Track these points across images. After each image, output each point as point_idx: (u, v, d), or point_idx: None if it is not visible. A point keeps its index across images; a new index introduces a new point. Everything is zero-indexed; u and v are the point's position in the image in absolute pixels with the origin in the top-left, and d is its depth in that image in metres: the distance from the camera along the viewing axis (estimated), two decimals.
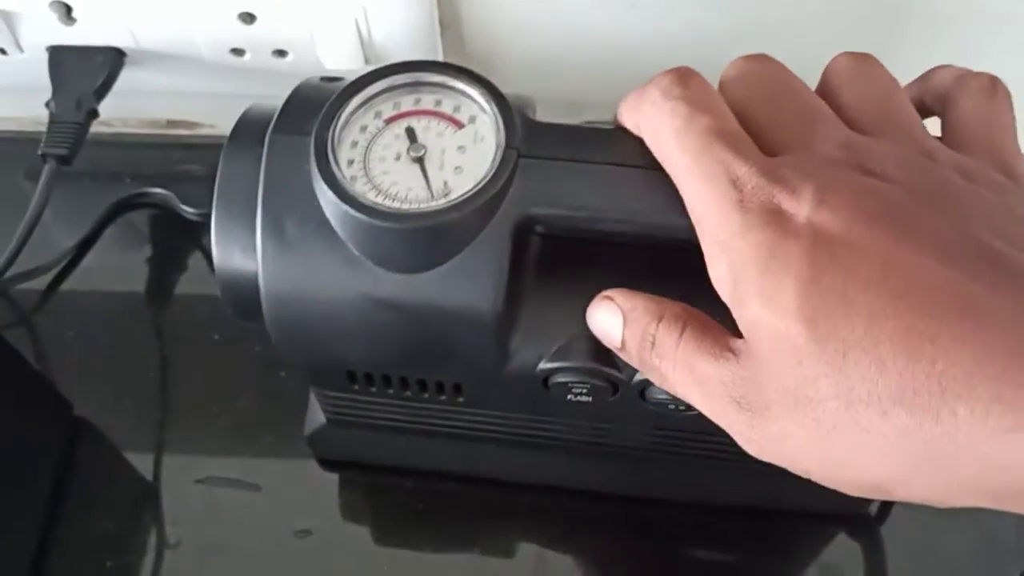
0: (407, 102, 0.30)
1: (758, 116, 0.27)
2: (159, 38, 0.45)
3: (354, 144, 0.29)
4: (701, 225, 0.26)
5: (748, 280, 0.24)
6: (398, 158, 0.29)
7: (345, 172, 0.29)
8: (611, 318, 0.28)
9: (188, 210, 0.48)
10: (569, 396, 0.32)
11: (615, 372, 0.31)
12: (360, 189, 0.28)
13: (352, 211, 0.28)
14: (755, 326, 0.24)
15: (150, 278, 0.49)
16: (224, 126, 0.53)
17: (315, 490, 0.42)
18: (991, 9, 0.43)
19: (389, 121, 0.30)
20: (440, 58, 0.45)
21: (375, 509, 0.42)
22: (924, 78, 0.31)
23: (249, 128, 0.31)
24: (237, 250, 0.29)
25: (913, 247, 0.23)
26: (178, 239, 0.50)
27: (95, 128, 0.46)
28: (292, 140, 0.29)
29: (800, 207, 0.24)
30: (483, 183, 0.28)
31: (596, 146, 0.29)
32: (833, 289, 0.23)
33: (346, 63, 0.45)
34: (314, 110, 0.30)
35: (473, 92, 0.30)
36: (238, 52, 0.45)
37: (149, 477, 0.43)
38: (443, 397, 0.34)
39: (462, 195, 0.28)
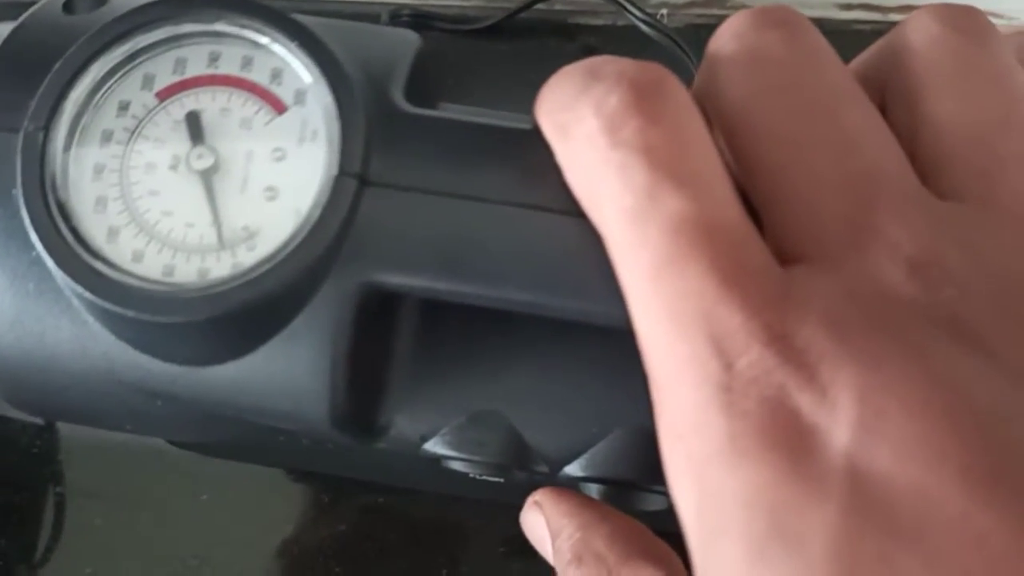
0: (197, 60, 0.18)
1: (773, 167, 0.15)
2: None
3: (106, 138, 0.18)
4: (658, 394, 0.15)
5: (729, 555, 0.13)
6: (174, 166, 0.18)
7: (85, 196, 0.17)
8: (541, 531, 0.20)
9: None
10: (470, 475, 0.23)
11: (530, 468, 0.21)
12: (109, 222, 0.17)
13: (81, 287, 0.17)
14: None
15: None
16: None
17: None
18: None
19: (164, 95, 0.18)
20: None
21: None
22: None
23: None
24: None
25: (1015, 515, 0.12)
26: None
27: None
28: None
29: (834, 426, 0.13)
30: (298, 242, 0.17)
31: (496, 168, 0.17)
32: None
33: None
34: (35, 79, 0.18)
35: (301, 55, 0.18)
36: None
37: None
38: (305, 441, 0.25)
39: (266, 257, 0.17)
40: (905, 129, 0.16)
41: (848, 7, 0.38)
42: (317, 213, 0.17)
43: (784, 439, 0.13)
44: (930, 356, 0.13)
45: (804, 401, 0.13)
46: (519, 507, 0.23)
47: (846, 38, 0.36)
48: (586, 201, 0.16)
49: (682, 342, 0.14)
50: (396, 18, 0.38)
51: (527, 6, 0.37)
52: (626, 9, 0.36)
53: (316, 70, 0.18)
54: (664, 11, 0.38)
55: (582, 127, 0.15)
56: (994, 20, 0.16)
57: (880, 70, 0.17)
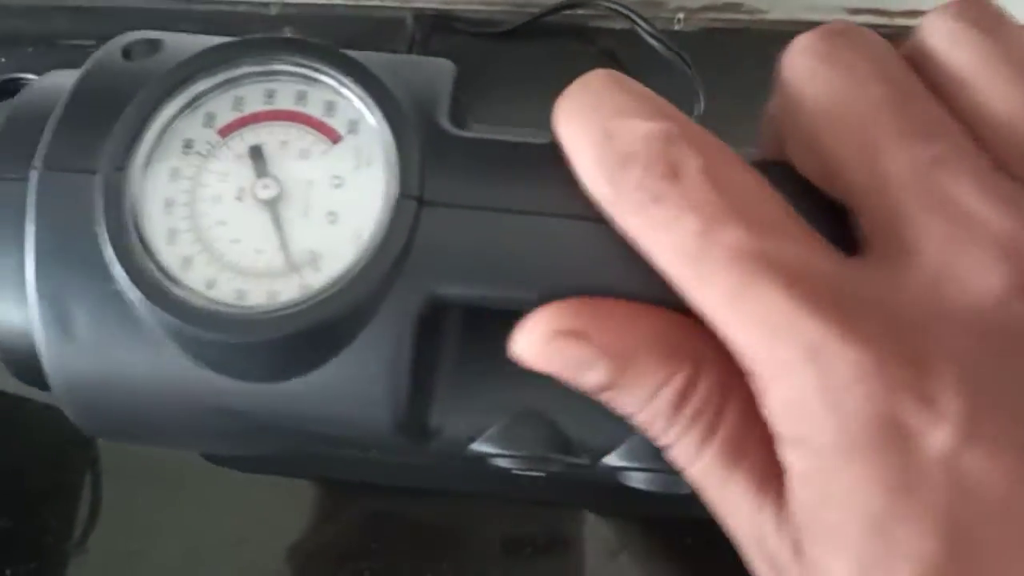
0: (254, 97, 0.20)
1: (855, 163, 0.16)
2: None
3: (174, 174, 0.19)
4: (759, 384, 0.16)
5: (835, 529, 0.15)
6: (240, 197, 0.19)
7: (158, 230, 0.19)
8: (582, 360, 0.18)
9: None
10: (514, 471, 0.24)
11: (572, 460, 0.22)
12: (183, 252, 0.19)
13: (164, 313, 0.18)
14: None
15: None
16: None
17: None
18: None
19: (226, 132, 0.20)
20: None
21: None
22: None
23: (19, 132, 0.20)
24: (8, 302, 0.20)
25: None
26: None
27: None
28: (71, 181, 0.19)
29: (937, 426, 0.14)
30: (364, 263, 0.18)
31: (541, 182, 0.19)
32: None
33: None
34: (105, 123, 0.19)
35: (353, 88, 0.19)
36: None
37: None
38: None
39: (333, 279, 0.18)
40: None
41: (857, 12, 0.40)
42: (381, 234, 0.18)
43: (889, 437, 0.14)
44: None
45: (907, 401, 0.14)
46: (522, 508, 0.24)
47: None
48: (642, 247, 0.17)
49: (778, 347, 0.15)
50: (420, 20, 0.39)
51: (550, 12, 0.38)
52: (636, 23, 0.37)
53: (369, 100, 0.19)
54: (681, 15, 0.39)
55: (627, 199, 0.16)
56: None
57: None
